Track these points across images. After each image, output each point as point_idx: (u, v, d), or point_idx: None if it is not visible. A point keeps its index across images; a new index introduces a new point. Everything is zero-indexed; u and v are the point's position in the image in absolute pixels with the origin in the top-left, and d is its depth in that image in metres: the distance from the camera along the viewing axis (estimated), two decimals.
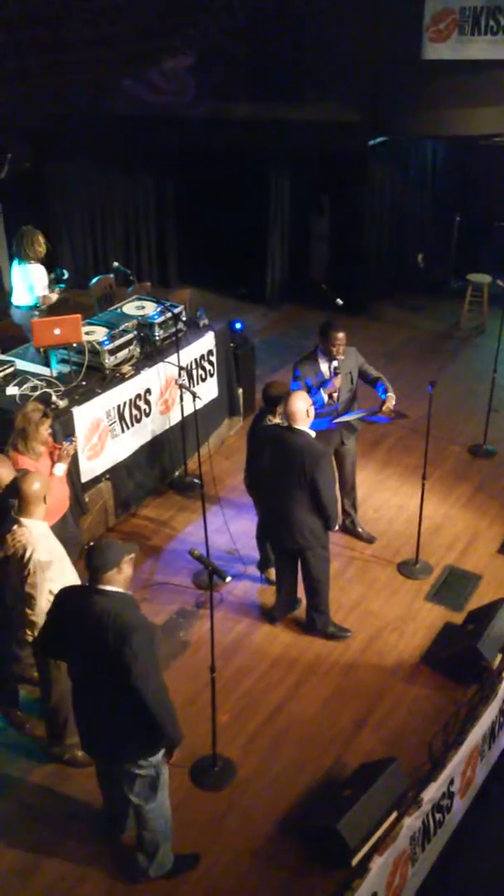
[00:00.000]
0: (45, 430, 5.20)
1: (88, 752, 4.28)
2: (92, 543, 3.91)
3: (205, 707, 4.89)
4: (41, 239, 7.56)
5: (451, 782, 4.61)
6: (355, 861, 4.22)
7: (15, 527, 4.40)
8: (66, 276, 7.79)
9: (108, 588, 3.82)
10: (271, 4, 8.72)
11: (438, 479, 7.43)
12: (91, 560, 3.84)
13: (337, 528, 5.81)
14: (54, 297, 7.58)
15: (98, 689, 3.89)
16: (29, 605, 4.37)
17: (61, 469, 5.34)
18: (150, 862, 4.26)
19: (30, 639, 4.56)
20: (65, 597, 4.08)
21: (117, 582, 3.84)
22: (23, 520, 4.42)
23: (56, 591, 4.43)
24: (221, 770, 4.89)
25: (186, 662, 5.61)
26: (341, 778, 4.84)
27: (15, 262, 7.64)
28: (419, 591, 6.29)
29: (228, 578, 4.23)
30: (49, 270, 7.67)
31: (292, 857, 4.48)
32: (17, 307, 7.71)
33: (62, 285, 7.73)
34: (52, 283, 7.62)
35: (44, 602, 4.39)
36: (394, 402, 6.16)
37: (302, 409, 5.29)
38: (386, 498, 7.32)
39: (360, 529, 6.80)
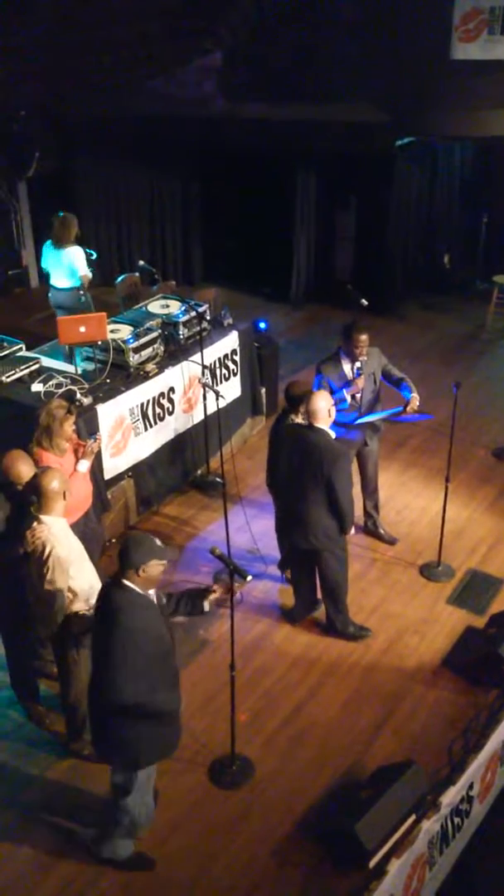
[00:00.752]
0: (69, 427, 5.23)
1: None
2: (129, 534, 3.93)
3: (224, 706, 4.89)
4: (76, 223, 7.93)
5: (471, 787, 4.58)
6: (373, 863, 4.20)
7: (35, 524, 4.43)
8: (95, 256, 8.22)
9: (127, 583, 3.86)
10: (301, 4, 8.69)
11: (462, 481, 7.38)
12: (120, 550, 3.90)
13: (353, 531, 5.77)
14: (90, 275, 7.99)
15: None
16: (47, 601, 4.39)
17: (85, 465, 5.36)
18: (106, 840, 4.35)
19: (48, 634, 4.59)
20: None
21: (135, 581, 3.86)
22: (42, 517, 4.45)
23: (75, 587, 4.47)
24: (239, 769, 4.89)
25: (206, 661, 5.62)
26: (360, 780, 4.82)
27: (51, 248, 7.94)
28: (441, 594, 6.25)
29: (249, 577, 4.24)
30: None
31: (309, 858, 4.46)
32: (60, 289, 8.04)
33: (92, 268, 8.11)
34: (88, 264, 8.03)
35: (61, 599, 4.41)
36: (418, 402, 6.13)
37: (323, 408, 5.27)
38: (408, 500, 7.29)
39: (382, 531, 6.77)
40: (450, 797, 4.38)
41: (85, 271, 7.87)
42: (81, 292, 7.95)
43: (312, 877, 4.38)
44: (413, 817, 4.33)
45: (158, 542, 3.95)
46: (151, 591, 3.97)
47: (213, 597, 4.24)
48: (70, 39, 7.97)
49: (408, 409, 6.13)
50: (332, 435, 5.36)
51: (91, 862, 4.42)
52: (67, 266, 7.88)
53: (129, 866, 4.38)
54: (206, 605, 4.24)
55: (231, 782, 4.84)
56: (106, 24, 8.05)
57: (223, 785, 4.83)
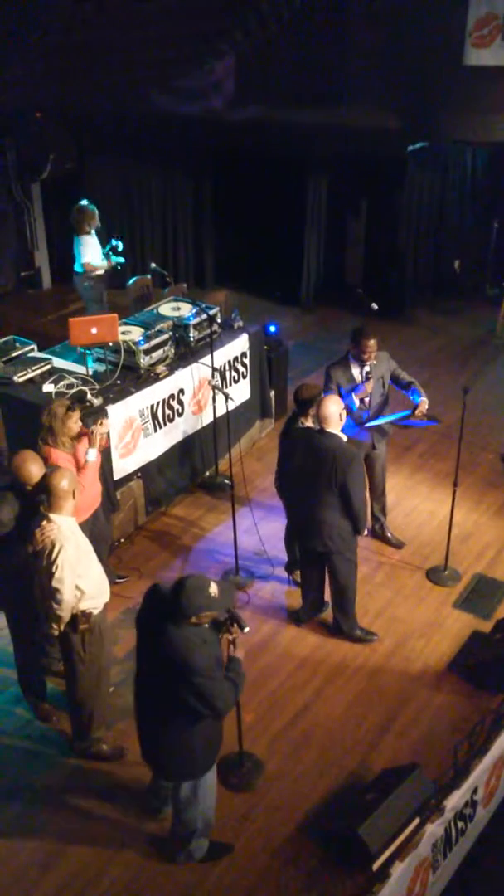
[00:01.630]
0: (73, 423, 5.25)
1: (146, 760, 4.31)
2: (187, 577, 3.82)
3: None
4: (92, 214, 8.46)
5: (475, 791, 4.58)
6: (376, 866, 4.21)
7: (44, 522, 4.46)
8: (121, 247, 8.62)
9: (176, 629, 3.80)
10: (313, 8, 8.72)
11: (470, 486, 7.38)
12: (177, 596, 3.76)
13: (366, 533, 5.81)
14: (102, 266, 8.53)
15: (153, 696, 4.02)
16: (55, 599, 4.42)
17: (93, 454, 5.30)
18: (180, 850, 4.36)
19: (55, 633, 4.62)
20: (146, 604, 4.06)
21: (186, 625, 3.80)
22: (52, 515, 4.48)
23: (83, 586, 4.50)
24: (249, 770, 4.88)
25: None
26: (364, 782, 4.83)
27: (75, 236, 8.54)
28: (447, 599, 6.25)
29: (246, 629, 4.07)
30: (103, 244, 8.59)
31: (313, 859, 4.48)
32: (73, 275, 8.75)
33: (117, 258, 8.59)
34: (108, 254, 8.55)
35: (69, 597, 4.44)
36: (427, 406, 6.14)
37: (334, 413, 5.29)
38: (416, 504, 7.30)
39: (389, 535, 6.79)
40: (454, 801, 4.39)
41: (87, 259, 8.43)
42: (85, 282, 8.59)
43: (315, 878, 4.39)
44: (417, 821, 4.34)
45: (214, 589, 3.81)
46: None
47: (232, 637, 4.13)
48: (86, 41, 8.04)
49: (416, 412, 6.13)
50: (344, 438, 5.38)
51: (93, 858, 4.45)
52: (76, 254, 8.52)
53: (209, 859, 4.42)
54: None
55: (241, 785, 4.83)
56: (121, 26, 8.11)
57: (232, 786, 4.81)
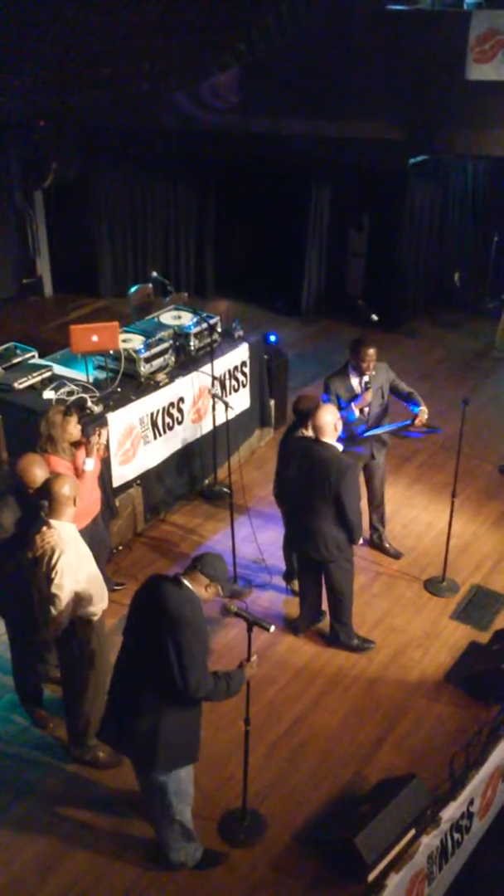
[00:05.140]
0: (72, 429, 5.24)
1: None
2: (211, 553, 4.07)
3: (225, 713, 4.91)
4: None
5: (471, 802, 4.56)
6: (371, 877, 4.20)
7: (44, 528, 4.47)
8: None
9: (187, 583, 3.94)
10: (318, 22, 8.79)
11: (468, 497, 7.40)
12: (201, 557, 3.99)
13: (362, 542, 5.82)
14: None
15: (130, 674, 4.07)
16: (54, 605, 4.42)
17: (91, 463, 5.31)
18: (165, 859, 4.36)
19: (53, 639, 4.62)
20: (145, 584, 4.13)
21: (197, 588, 3.95)
22: (52, 521, 4.49)
23: (80, 592, 4.50)
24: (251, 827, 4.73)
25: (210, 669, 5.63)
26: (360, 793, 4.83)
27: None
28: (445, 609, 6.26)
29: (272, 628, 4.16)
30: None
31: (308, 870, 4.47)
32: None
33: None
34: None
35: (68, 603, 4.44)
36: (426, 416, 6.16)
37: (329, 423, 5.31)
38: (414, 514, 7.31)
39: (387, 545, 6.79)
40: (450, 812, 4.37)
41: None
42: None
43: (311, 889, 4.39)
44: (413, 832, 4.32)
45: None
46: None
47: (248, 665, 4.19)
48: (90, 51, 8.07)
49: (416, 422, 6.15)
50: (340, 448, 5.40)
51: (90, 865, 4.44)
52: None
53: (202, 867, 4.41)
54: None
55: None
56: (126, 36, 8.15)
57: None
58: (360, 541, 5.63)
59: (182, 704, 3.95)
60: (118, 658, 4.17)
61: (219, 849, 4.55)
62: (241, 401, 7.70)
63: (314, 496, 5.34)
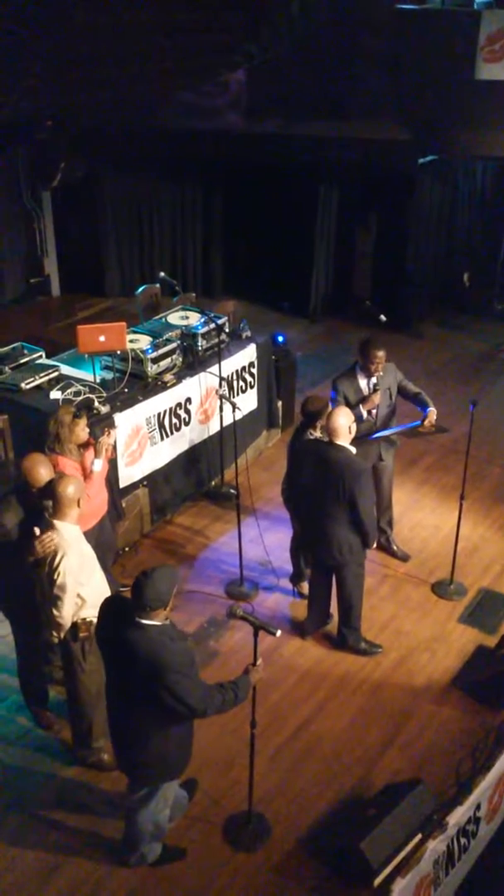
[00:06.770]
0: (80, 430, 5.24)
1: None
2: (146, 572, 3.73)
3: (230, 717, 4.87)
4: None
5: (478, 807, 4.54)
6: (377, 882, 4.18)
7: (46, 531, 4.45)
8: None
9: (150, 623, 3.74)
10: (325, 21, 8.76)
11: (476, 499, 7.36)
12: (141, 590, 3.69)
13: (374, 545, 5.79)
14: None
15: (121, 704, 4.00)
16: (56, 606, 4.41)
17: (98, 464, 5.32)
18: (131, 852, 4.37)
19: (55, 640, 4.61)
20: (103, 614, 4.03)
21: (159, 617, 3.76)
22: (56, 522, 4.47)
23: (84, 594, 4.49)
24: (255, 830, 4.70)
25: (215, 673, 5.60)
26: (366, 797, 4.80)
27: None
28: (452, 613, 6.22)
29: (278, 632, 4.09)
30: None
31: (314, 875, 4.44)
32: None
33: None
34: None
35: (71, 605, 4.43)
36: (435, 417, 6.12)
37: (344, 426, 5.28)
38: (422, 517, 7.27)
39: (394, 547, 6.76)
40: (457, 817, 4.34)
41: None
42: None
43: (316, 893, 4.35)
44: (419, 836, 4.30)
45: (169, 567, 3.89)
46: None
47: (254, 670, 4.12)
48: (98, 50, 8.06)
49: (425, 423, 6.12)
50: (353, 450, 5.36)
51: (92, 869, 4.42)
52: None
53: (162, 862, 4.41)
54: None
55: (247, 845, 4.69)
56: (134, 36, 8.13)
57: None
58: (374, 545, 5.60)
59: (180, 723, 3.90)
60: (107, 683, 4.07)
61: (218, 851, 4.52)
62: (248, 402, 7.68)
63: (327, 499, 5.30)
